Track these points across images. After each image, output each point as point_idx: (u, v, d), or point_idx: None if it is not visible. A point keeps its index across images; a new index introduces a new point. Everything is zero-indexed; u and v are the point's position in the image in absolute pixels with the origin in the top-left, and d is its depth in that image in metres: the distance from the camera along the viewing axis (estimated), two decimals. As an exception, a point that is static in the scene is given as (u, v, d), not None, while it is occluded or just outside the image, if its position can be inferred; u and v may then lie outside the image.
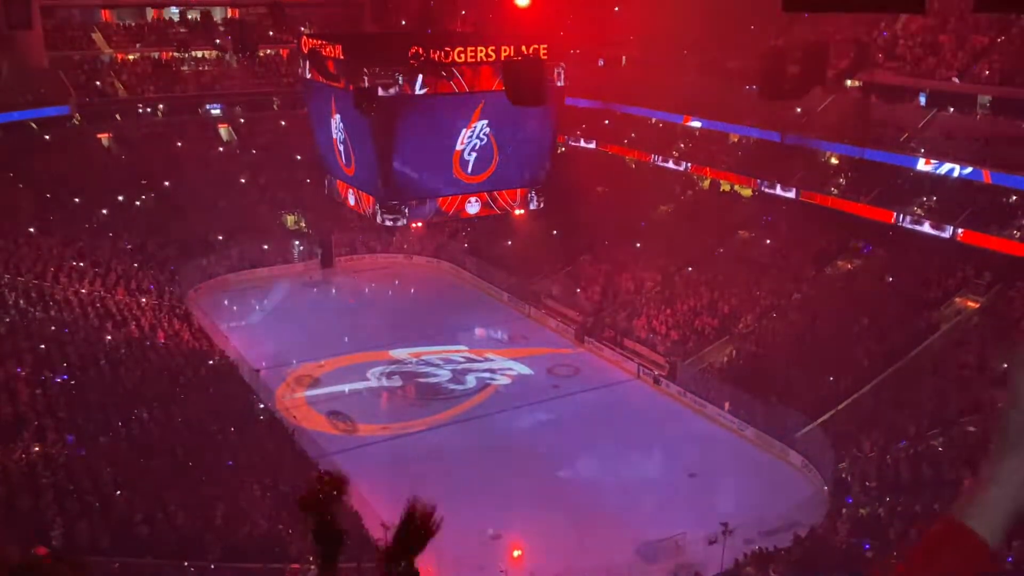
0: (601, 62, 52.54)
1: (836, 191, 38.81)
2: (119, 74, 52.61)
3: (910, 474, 24.73)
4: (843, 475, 26.09)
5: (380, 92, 30.56)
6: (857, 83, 39.33)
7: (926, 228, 35.16)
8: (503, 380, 35.54)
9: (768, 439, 29.93)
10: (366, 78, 30.57)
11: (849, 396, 30.07)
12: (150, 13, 57.59)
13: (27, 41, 47.46)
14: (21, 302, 32.79)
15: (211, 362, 33.01)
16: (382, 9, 55.37)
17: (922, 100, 38.06)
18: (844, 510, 24.23)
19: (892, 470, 25.29)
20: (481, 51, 31.55)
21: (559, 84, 33.76)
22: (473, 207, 35.28)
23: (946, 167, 34.47)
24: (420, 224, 38.66)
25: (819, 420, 29.37)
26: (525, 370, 36.35)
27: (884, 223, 36.44)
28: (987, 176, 33.36)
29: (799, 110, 39.55)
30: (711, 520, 23.79)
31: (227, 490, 23.97)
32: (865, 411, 28.89)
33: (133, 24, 56.47)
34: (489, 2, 51.27)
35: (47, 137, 47.41)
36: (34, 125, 47.04)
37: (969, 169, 33.73)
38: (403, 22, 53.68)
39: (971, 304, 33.03)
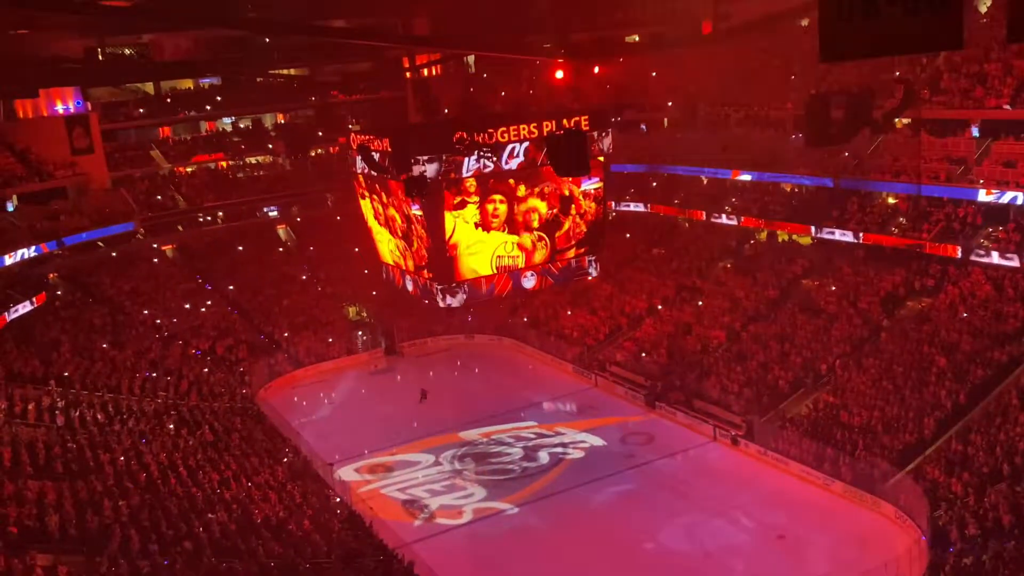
0: (643, 127, 52.99)
1: (897, 230, 38.08)
2: (179, 187, 54.63)
3: (1012, 517, 23.55)
4: (940, 523, 24.94)
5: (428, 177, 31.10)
6: (906, 121, 38.87)
7: (994, 259, 34.27)
8: (576, 454, 35.03)
9: (857, 492, 28.79)
10: (415, 167, 31.18)
11: (936, 440, 28.95)
12: (204, 125, 60.04)
13: (91, 164, 49.84)
14: (99, 417, 33.62)
15: (285, 460, 33.26)
16: (424, 100, 56.85)
17: (975, 131, 37.49)
18: (948, 563, 23.05)
19: (992, 514, 24.11)
20: (524, 128, 32.08)
21: (604, 151, 33.99)
22: (529, 281, 35.34)
23: (1008, 195, 33.69)
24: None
25: (908, 468, 28.27)
26: (598, 441, 35.80)
27: (951, 257, 35.61)
28: (1053, 200, 32.57)
29: (846, 154, 39.19)
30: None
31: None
32: (955, 454, 27.70)
33: (189, 138, 58.89)
34: (527, 81, 52.39)
35: (114, 254, 49.26)
36: (101, 244, 48.87)
37: (1033, 194, 32.97)
38: (446, 110, 54.97)
39: (1053, 332, 31.88)
